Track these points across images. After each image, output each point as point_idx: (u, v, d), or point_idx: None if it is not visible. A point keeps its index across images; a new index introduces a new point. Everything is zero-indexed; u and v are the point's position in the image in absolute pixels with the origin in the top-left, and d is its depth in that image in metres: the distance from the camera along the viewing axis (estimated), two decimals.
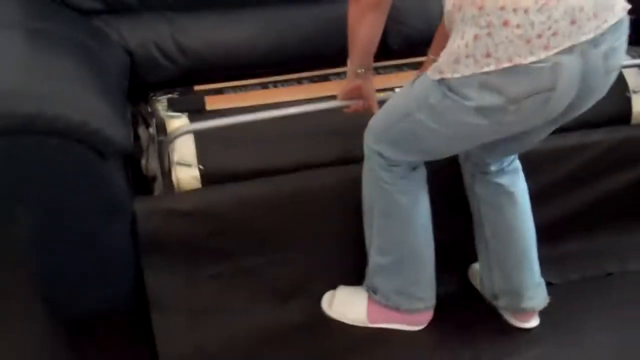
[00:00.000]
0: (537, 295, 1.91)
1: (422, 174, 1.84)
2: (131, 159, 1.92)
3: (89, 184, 1.72)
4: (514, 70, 1.43)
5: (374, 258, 1.90)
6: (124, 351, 1.89)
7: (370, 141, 1.80)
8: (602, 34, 1.45)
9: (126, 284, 1.90)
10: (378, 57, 1.85)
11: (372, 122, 1.79)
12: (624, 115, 2.23)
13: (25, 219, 1.71)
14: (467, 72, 1.47)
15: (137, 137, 2.02)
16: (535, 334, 1.92)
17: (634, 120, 2.24)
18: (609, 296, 2.06)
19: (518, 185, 1.90)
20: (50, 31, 1.91)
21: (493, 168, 1.87)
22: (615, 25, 1.47)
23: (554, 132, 1.86)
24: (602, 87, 1.57)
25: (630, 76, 2.24)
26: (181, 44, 2.17)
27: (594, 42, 1.44)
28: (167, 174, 1.92)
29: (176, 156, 1.93)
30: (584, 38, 1.42)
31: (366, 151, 1.82)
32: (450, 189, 1.98)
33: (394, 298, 1.90)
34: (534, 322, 1.93)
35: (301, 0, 2.24)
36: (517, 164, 1.91)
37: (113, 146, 1.70)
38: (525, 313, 1.92)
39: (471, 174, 1.92)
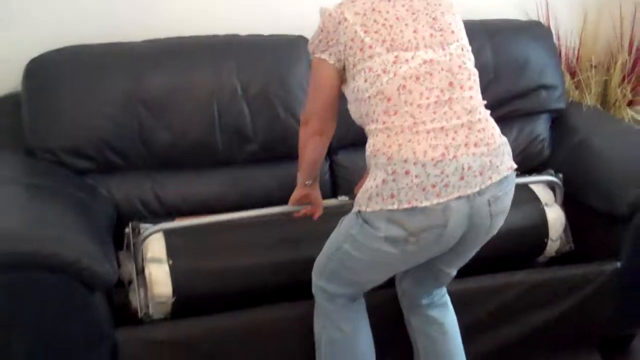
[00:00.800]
0: None
1: (362, 305, 2.06)
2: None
3: (78, 315, 1.93)
4: (413, 210, 1.71)
5: None
6: None
7: (315, 278, 2.04)
8: (487, 187, 1.76)
9: None
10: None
11: (316, 261, 2.03)
12: (541, 224, 2.47)
13: (18, 344, 1.90)
14: (377, 208, 1.75)
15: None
16: None
17: (550, 228, 2.47)
18: None
19: (448, 317, 2.13)
20: (48, 186, 2.20)
21: (424, 302, 2.10)
22: (499, 181, 1.79)
23: (480, 273, 2.15)
24: (491, 227, 1.85)
25: (540, 192, 2.53)
26: (160, 198, 2.43)
27: (479, 192, 1.75)
28: (141, 271, 2.12)
29: (149, 254, 2.14)
30: (470, 191, 1.74)
31: (313, 288, 2.06)
32: (394, 322, 2.20)
33: None
34: None
35: (263, 161, 2.53)
36: (447, 299, 2.15)
37: (100, 281, 1.92)
38: None
39: (407, 308, 2.15)
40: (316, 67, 1.92)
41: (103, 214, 2.28)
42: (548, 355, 2.47)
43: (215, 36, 2.56)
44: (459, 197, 1.73)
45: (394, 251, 1.79)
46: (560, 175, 2.53)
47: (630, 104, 3.13)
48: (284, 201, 2.25)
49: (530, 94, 2.79)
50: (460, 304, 2.19)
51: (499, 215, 1.85)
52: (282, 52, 2.54)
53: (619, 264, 2.41)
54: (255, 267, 2.22)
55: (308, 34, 1.98)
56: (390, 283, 2.14)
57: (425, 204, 1.71)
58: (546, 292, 2.39)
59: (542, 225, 2.48)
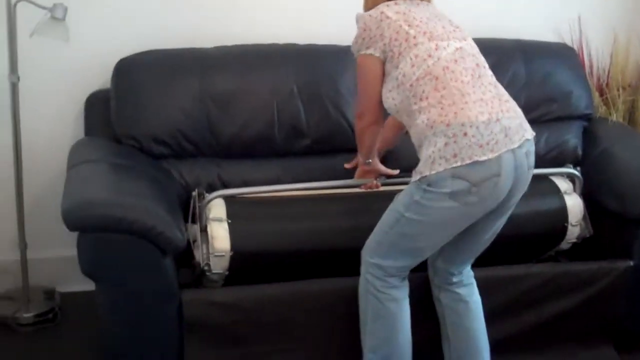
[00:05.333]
0: None
1: (406, 287, 2.30)
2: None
3: (151, 274, 2.23)
4: (474, 164, 2.04)
5: (367, 355, 2.29)
6: None
7: (367, 256, 2.26)
8: (523, 143, 2.10)
9: (170, 358, 2.35)
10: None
11: (367, 242, 2.27)
12: (561, 210, 2.69)
13: (102, 293, 2.24)
14: (441, 169, 2.05)
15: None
16: None
17: (570, 213, 2.69)
18: None
19: (473, 295, 2.38)
20: (130, 166, 2.53)
21: (454, 279, 2.35)
22: (529, 139, 2.14)
23: (510, 256, 2.40)
24: (526, 181, 2.17)
25: (560, 183, 2.75)
26: (224, 182, 2.74)
27: (519, 146, 2.09)
28: (204, 229, 2.42)
29: (211, 214, 2.43)
30: (513, 146, 2.08)
31: (363, 266, 2.27)
32: (424, 302, 2.43)
33: None
34: None
35: (314, 153, 2.85)
36: (473, 280, 2.39)
37: (172, 246, 2.22)
38: None
39: (438, 286, 2.39)
40: (362, 63, 2.26)
41: (175, 192, 2.60)
42: (564, 345, 2.64)
43: (275, 44, 2.91)
44: (507, 151, 2.07)
45: (457, 205, 2.08)
46: (579, 168, 2.75)
47: None
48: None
49: (557, 100, 3.06)
50: (484, 290, 2.41)
51: (531, 169, 2.19)
52: (334, 59, 2.87)
53: (631, 263, 2.62)
54: (304, 231, 2.50)
55: None
56: (421, 268, 2.37)
57: (483, 158, 2.04)
58: (562, 284, 2.59)
59: (562, 211, 2.71)
